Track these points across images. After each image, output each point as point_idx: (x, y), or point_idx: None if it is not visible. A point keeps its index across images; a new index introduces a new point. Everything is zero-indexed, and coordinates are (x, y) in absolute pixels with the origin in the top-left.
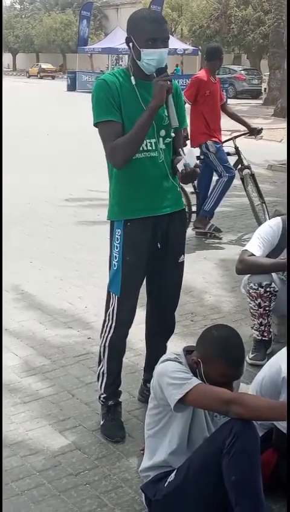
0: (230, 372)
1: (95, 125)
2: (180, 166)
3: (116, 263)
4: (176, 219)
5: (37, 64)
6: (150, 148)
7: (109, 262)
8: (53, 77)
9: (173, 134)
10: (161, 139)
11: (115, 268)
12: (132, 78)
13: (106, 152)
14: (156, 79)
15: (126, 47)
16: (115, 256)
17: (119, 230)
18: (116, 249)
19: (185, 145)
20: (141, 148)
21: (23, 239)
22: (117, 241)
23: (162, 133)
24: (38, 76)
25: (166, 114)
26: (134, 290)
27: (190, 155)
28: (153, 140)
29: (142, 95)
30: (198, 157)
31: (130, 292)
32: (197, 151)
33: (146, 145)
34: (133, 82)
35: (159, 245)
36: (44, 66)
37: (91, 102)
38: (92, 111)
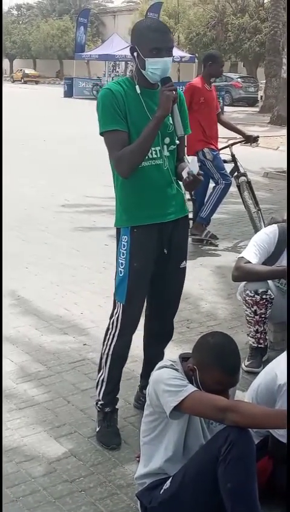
0: (226, 379)
1: (101, 134)
2: (184, 174)
3: (122, 270)
4: (180, 225)
5: (21, 70)
6: (155, 156)
7: (116, 269)
8: (36, 82)
9: (177, 142)
10: (165, 147)
11: (121, 275)
12: (137, 87)
13: (112, 161)
14: (161, 89)
15: (123, 54)
16: (121, 263)
17: (126, 236)
18: (123, 255)
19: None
20: (146, 156)
21: (20, 245)
22: (124, 247)
23: (167, 140)
24: (22, 81)
25: (171, 122)
26: (140, 297)
27: (193, 163)
28: (158, 148)
29: (147, 104)
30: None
31: (136, 300)
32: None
33: (151, 153)
34: (138, 91)
35: (165, 250)
36: (27, 71)
37: (96, 112)
38: (97, 120)
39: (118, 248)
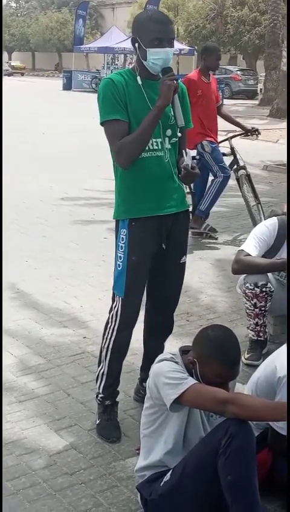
0: (226, 372)
1: (102, 124)
2: (181, 167)
3: (121, 263)
4: (180, 219)
5: (7, 62)
6: (156, 147)
7: (115, 262)
8: (22, 74)
9: (179, 134)
10: (167, 139)
11: (119, 268)
12: (138, 78)
13: (112, 151)
14: (162, 78)
15: (122, 46)
16: (120, 257)
17: (124, 230)
18: (121, 249)
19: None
20: (147, 147)
21: (19, 238)
22: (122, 241)
23: (168, 132)
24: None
25: (172, 113)
26: (138, 291)
27: (188, 156)
28: (159, 140)
29: (149, 95)
30: (194, 157)
31: (134, 293)
32: (193, 152)
33: (152, 145)
34: (140, 82)
35: (164, 245)
36: (13, 63)
37: (97, 102)
38: (98, 110)
39: (117, 241)
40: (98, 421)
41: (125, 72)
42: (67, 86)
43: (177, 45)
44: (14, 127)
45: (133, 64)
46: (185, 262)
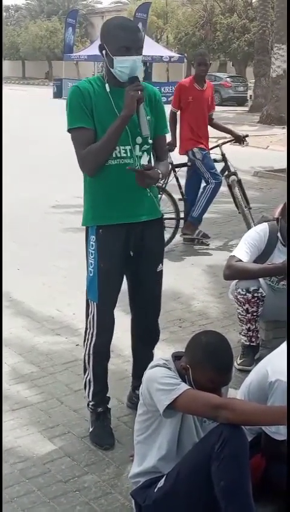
0: (219, 378)
1: (68, 131)
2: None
3: (92, 270)
4: (152, 228)
5: None
6: (124, 155)
7: (87, 269)
8: None
9: (150, 141)
10: (137, 146)
11: (91, 275)
12: (106, 85)
13: (78, 159)
14: (127, 88)
15: None
16: (91, 263)
17: (93, 236)
18: (91, 255)
19: (170, 151)
20: (114, 155)
21: (11, 246)
22: (92, 247)
23: (139, 140)
24: None
25: None
26: (112, 295)
27: (143, 158)
28: (128, 148)
29: (116, 102)
30: (185, 164)
31: (108, 298)
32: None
33: (120, 152)
34: (108, 89)
35: (131, 253)
36: None
37: (65, 109)
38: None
39: (87, 248)
40: (91, 429)
41: (95, 79)
42: (58, 94)
43: (167, 52)
44: (4, 135)
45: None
46: (161, 270)
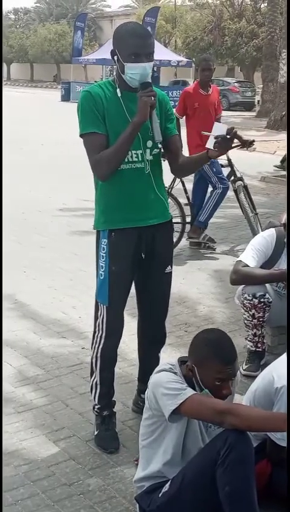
0: (224, 369)
1: (80, 136)
2: (210, 144)
3: (102, 273)
4: (161, 230)
5: None
6: (136, 159)
7: (96, 272)
8: None
9: (160, 146)
10: (148, 150)
11: (101, 278)
12: (118, 90)
13: (90, 164)
14: (140, 94)
15: None
16: (102, 266)
17: (104, 240)
18: (102, 258)
19: (182, 150)
20: (126, 160)
21: (17, 248)
22: (103, 251)
23: (149, 143)
24: None
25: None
26: (121, 299)
27: (217, 129)
28: (139, 152)
29: (128, 107)
30: None
31: (118, 301)
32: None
33: (131, 157)
34: (119, 94)
35: (143, 255)
36: None
37: (77, 114)
38: (78, 122)
39: (98, 251)
40: (96, 432)
41: (105, 83)
42: (66, 97)
43: (175, 57)
44: (12, 138)
45: (113, 76)
46: (171, 272)
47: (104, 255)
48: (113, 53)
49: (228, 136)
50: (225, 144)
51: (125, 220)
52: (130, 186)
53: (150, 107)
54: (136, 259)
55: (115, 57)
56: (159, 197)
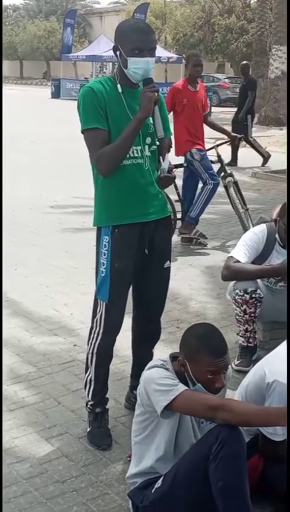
0: (215, 361)
1: (82, 132)
2: (160, 172)
3: (104, 270)
4: (161, 225)
5: None
6: (137, 155)
7: (96, 269)
8: None
9: (158, 142)
10: (146, 147)
11: (103, 275)
12: (118, 86)
13: (92, 160)
14: (143, 90)
15: (110, 54)
16: (103, 263)
17: (106, 237)
18: (104, 255)
19: (169, 152)
20: (128, 155)
21: (8, 246)
22: (105, 247)
23: (148, 140)
24: None
25: (151, 122)
26: (122, 296)
27: (165, 161)
28: (139, 148)
29: (129, 103)
30: (182, 165)
31: (118, 298)
32: (170, 158)
33: (132, 152)
34: (120, 90)
35: (146, 251)
36: None
37: (77, 110)
38: (79, 118)
39: (99, 248)
40: (88, 429)
41: (106, 80)
42: (56, 94)
43: (165, 53)
44: (3, 135)
45: (113, 72)
46: (169, 267)
47: (105, 251)
48: (115, 48)
49: (169, 174)
50: (165, 181)
51: (128, 216)
52: (132, 181)
53: (153, 102)
54: (139, 255)
55: (118, 52)
56: (159, 193)
